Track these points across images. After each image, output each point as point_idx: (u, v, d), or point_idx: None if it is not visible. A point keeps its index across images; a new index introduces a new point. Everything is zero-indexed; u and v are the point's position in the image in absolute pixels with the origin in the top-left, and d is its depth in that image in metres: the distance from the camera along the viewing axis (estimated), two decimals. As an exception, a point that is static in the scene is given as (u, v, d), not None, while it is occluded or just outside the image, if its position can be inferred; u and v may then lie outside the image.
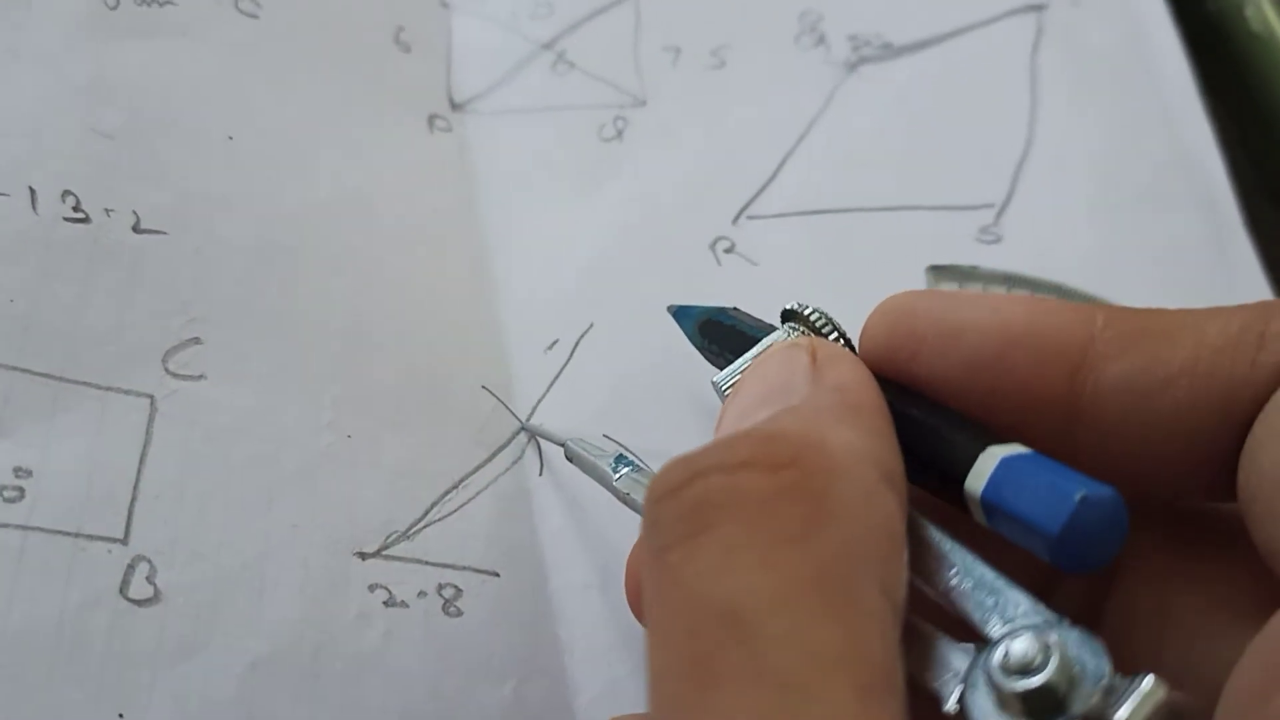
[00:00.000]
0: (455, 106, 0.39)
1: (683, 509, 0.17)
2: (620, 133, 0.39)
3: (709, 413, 0.33)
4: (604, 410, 0.34)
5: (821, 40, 0.40)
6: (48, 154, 0.29)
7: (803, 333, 0.25)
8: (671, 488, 0.17)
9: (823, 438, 0.18)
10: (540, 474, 0.33)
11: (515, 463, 0.33)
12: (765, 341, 0.25)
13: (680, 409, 0.34)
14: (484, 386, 0.34)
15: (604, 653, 0.31)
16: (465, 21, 0.40)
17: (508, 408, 0.34)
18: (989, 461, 0.19)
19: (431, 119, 0.38)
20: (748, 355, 0.25)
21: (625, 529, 0.33)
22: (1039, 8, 0.40)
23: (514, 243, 0.37)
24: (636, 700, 0.31)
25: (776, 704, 0.14)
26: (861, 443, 0.18)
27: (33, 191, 0.29)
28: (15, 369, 0.27)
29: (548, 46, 0.40)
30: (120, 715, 0.24)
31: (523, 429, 0.34)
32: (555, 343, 0.35)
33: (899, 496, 0.18)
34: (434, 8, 0.40)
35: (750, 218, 0.37)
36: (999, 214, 0.37)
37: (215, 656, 0.26)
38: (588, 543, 0.33)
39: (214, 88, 0.33)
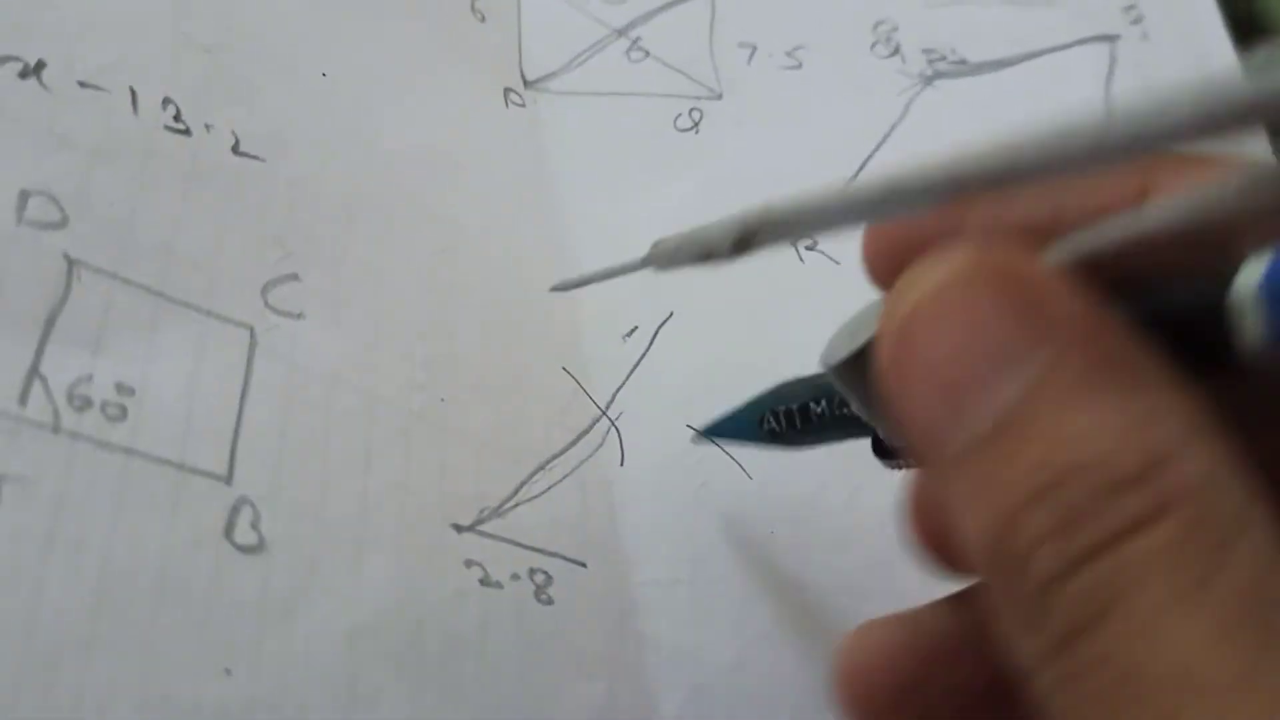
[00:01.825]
0: (528, 83, 0.37)
1: (1078, 594, 0.15)
2: (697, 124, 0.37)
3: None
4: (684, 401, 0.33)
5: (897, 50, 0.40)
6: (148, 56, 0.26)
7: None
8: (1055, 577, 0.15)
9: (1163, 433, 0.15)
10: (622, 464, 0.31)
11: (596, 450, 0.31)
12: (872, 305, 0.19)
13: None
14: (564, 368, 0.32)
15: (690, 652, 0.29)
16: (533, -2, 0.39)
17: (587, 393, 0.32)
18: (1255, 267, 0.16)
19: (506, 92, 0.36)
20: (863, 317, 0.19)
21: (708, 526, 0.31)
22: (1111, 38, 0.40)
23: (589, 225, 0.35)
24: (725, 706, 0.29)
25: None
26: (1174, 401, 0.15)
27: (133, 92, 0.26)
28: (116, 277, 0.24)
29: (622, 33, 0.38)
30: (228, 671, 0.21)
31: (603, 415, 0.32)
32: (634, 330, 0.34)
33: (1227, 446, 0.15)
34: (505, -19, 0.38)
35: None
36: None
37: (317, 617, 0.23)
38: (673, 536, 0.31)
39: (306, 21, 0.31)
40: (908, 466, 0.22)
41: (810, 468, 0.30)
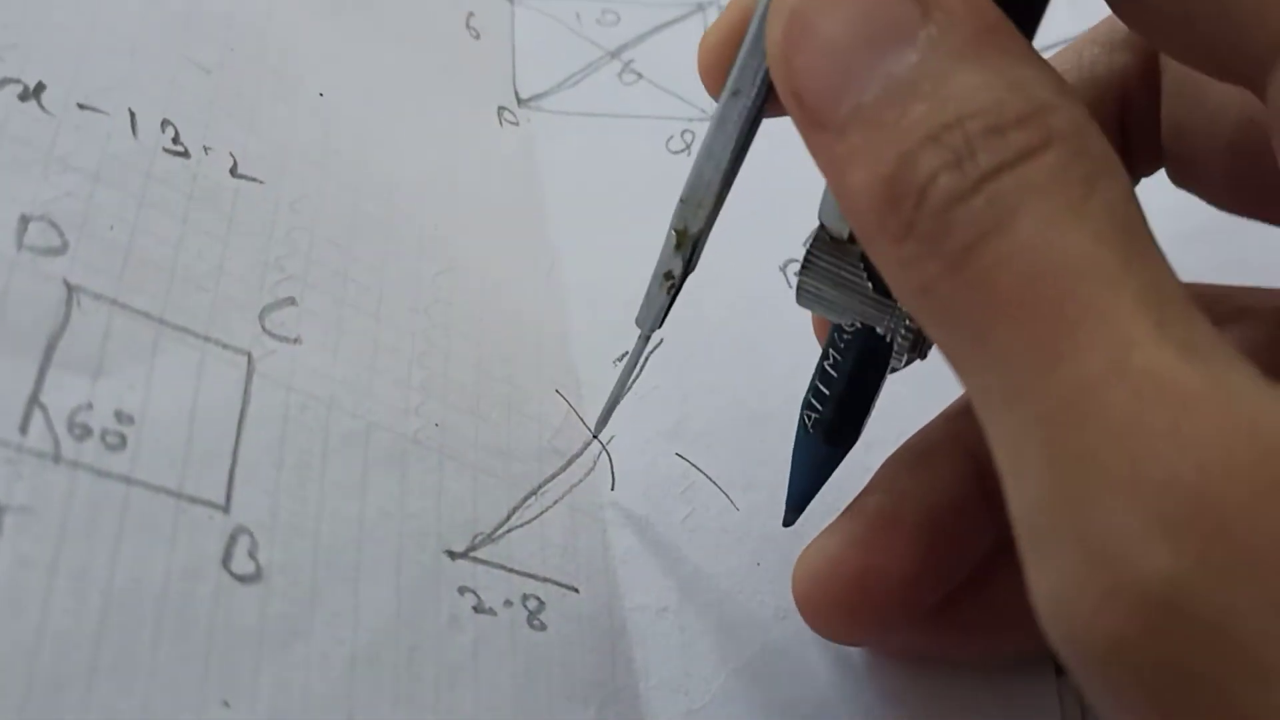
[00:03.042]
0: (522, 101, 0.37)
1: (976, 211, 0.17)
2: (689, 145, 0.37)
3: (783, 433, 0.31)
4: (675, 428, 0.33)
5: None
6: (147, 77, 0.26)
7: None
8: (956, 196, 0.17)
9: (1041, 91, 0.17)
10: (612, 488, 0.31)
11: (588, 474, 0.31)
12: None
13: (752, 429, 0.33)
14: (557, 391, 0.32)
15: (680, 680, 0.29)
16: (528, 15, 0.39)
17: (580, 418, 0.32)
18: None
19: (500, 110, 0.36)
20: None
21: (699, 553, 0.31)
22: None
23: (580, 247, 0.35)
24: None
25: (1135, 317, 0.15)
26: (1044, 70, 0.18)
27: (132, 114, 0.26)
28: (115, 302, 0.23)
29: (615, 55, 0.39)
30: (226, 703, 0.21)
31: (594, 439, 0.32)
32: (623, 355, 0.34)
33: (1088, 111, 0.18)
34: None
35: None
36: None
37: (316, 646, 0.23)
38: (662, 564, 0.31)
39: (303, 41, 0.31)
40: (911, 361, 0.24)
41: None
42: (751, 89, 0.22)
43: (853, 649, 0.30)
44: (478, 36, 0.37)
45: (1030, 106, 0.17)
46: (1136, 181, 0.28)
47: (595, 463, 0.32)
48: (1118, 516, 0.15)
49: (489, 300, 0.32)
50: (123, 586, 0.21)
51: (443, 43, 0.35)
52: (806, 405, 0.27)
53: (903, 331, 0.24)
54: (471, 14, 0.37)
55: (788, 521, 0.29)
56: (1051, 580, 0.16)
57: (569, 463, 0.31)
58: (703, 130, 0.38)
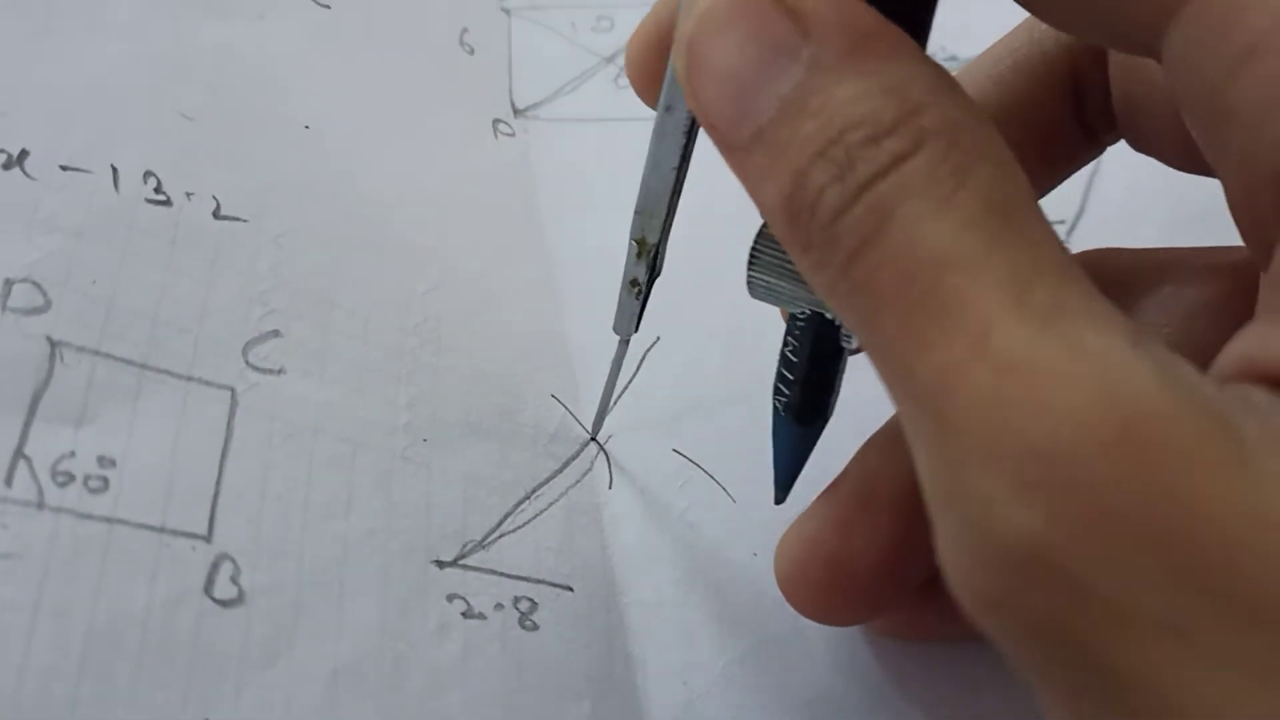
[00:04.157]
0: (518, 112, 0.38)
1: (857, 219, 0.18)
2: (685, 148, 0.38)
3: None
4: (672, 424, 0.34)
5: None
6: (129, 132, 0.28)
7: None
8: (839, 209, 0.18)
9: (915, 92, 0.18)
10: (610, 487, 0.32)
11: (585, 475, 0.32)
12: None
13: (748, 424, 0.34)
14: (553, 395, 0.33)
15: (678, 672, 0.30)
16: (524, 27, 0.40)
17: (576, 419, 0.33)
18: None
19: (495, 123, 0.37)
20: None
21: (696, 546, 0.32)
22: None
23: (577, 252, 0.36)
24: (713, 723, 0.30)
25: (1000, 297, 0.16)
26: (922, 68, 0.19)
27: (115, 170, 0.27)
28: (98, 353, 0.25)
29: (609, 60, 0.39)
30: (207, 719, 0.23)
31: (591, 440, 0.33)
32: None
33: (969, 100, 0.19)
34: (495, 11, 0.39)
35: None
36: (1070, 230, 0.37)
37: (298, 662, 0.25)
38: (659, 559, 0.32)
39: (289, 75, 0.32)
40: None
41: (792, 492, 0.31)
42: (681, 103, 0.23)
43: (852, 637, 0.30)
44: (472, 52, 0.38)
45: (903, 110, 0.18)
46: (1101, 150, 0.29)
47: (593, 463, 0.33)
48: (984, 484, 0.16)
49: (482, 312, 0.33)
50: (104, 621, 0.23)
51: (436, 62, 0.36)
52: (776, 391, 0.28)
53: None
54: (466, 30, 0.38)
55: (778, 500, 0.30)
56: (941, 544, 0.17)
57: (564, 465, 0.32)
58: (699, 134, 0.39)
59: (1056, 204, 0.37)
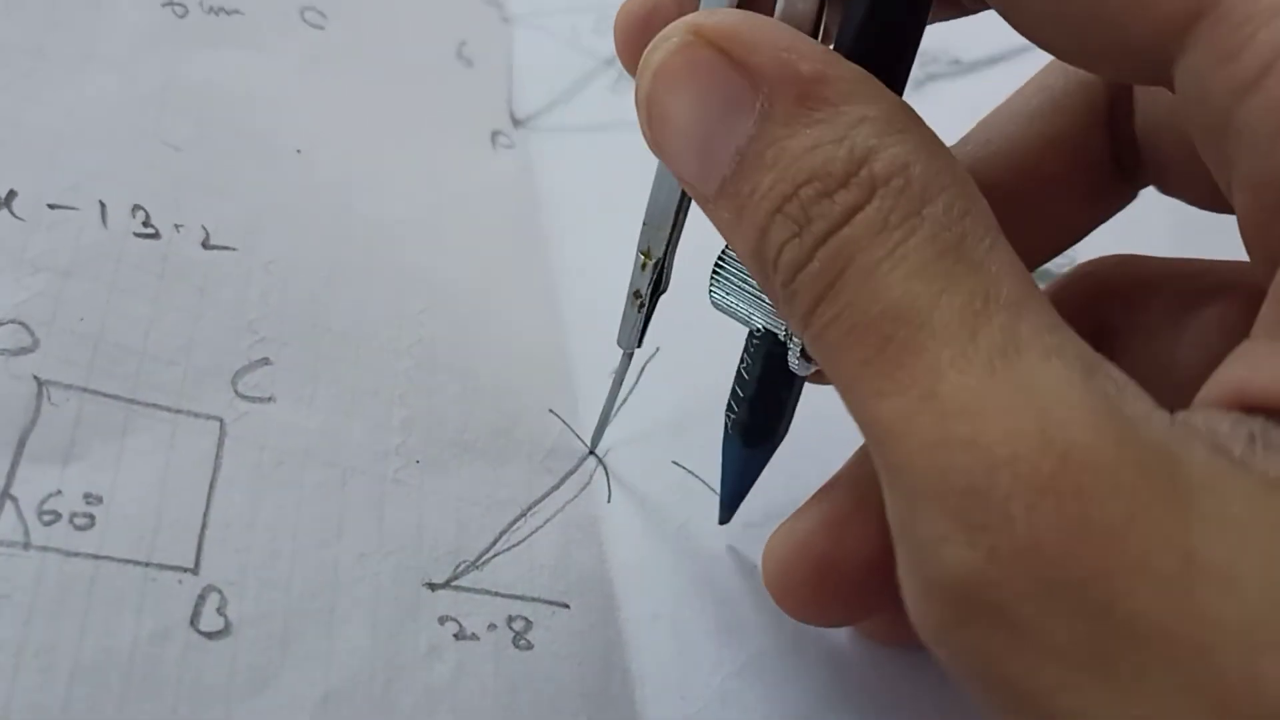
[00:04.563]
0: (517, 123, 0.38)
1: (812, 276, 0.18)
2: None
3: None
4: (671, 436, 0.34)
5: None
6: (118, 166, 0.28)
7: None
8: (796, 266, 0.19)
9: (864, 136, 0.18)
10: (609, 500, 0.32)
11: (583, 489, 0.32)
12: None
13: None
14: (551, 410, 0.33)
15: (676, 686, 0.30)
16: (526, 35, 0.40)
17: (574, 432, 0.33)
18: None
19: (494, 135, 0.37)
20: None
21: (695, 560, 0.32)
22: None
23: (577, 264, 0.36)
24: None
25: (962, 340, 0.17)
26: (872, 107, 0.19)
27: (103, 206, 0.28)
28: (86, 390, 0.26)
29: (610, 63, 0.39)
30: (193, 752, 0.23)
31: (590, 454, 0.33)
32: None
33: (924, 134, 0.19)
34: (495, 22, 0.39)
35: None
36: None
37: (286, 690, 0.25)
38: (658, 572, 0.32)
39: (281, 99, 0.32)
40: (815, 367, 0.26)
41: (789, 505, 0.31)
42: None
43: (849, 650, 0.30)
44: (470, 64, 0.38)
45: (852, 160, 0.18)
46: (1134, 195, 0.28)
47: (591, 476, 0.33)
48: (929, 521, 0.17)
49: (478, 329, 0.33)
50: (90, 658, 0.23)
51: (433, 76, 0.36)
52: (728, 407, 0.29)
53: (794, 338, 0.25)
54: (464, 42, 0.38)
55: (722, 520, 0.31)
56: (899, 572, 0.18)
57: (561, 481, 0.32)
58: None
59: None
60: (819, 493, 0.28)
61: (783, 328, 0.25)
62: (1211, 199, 0.26)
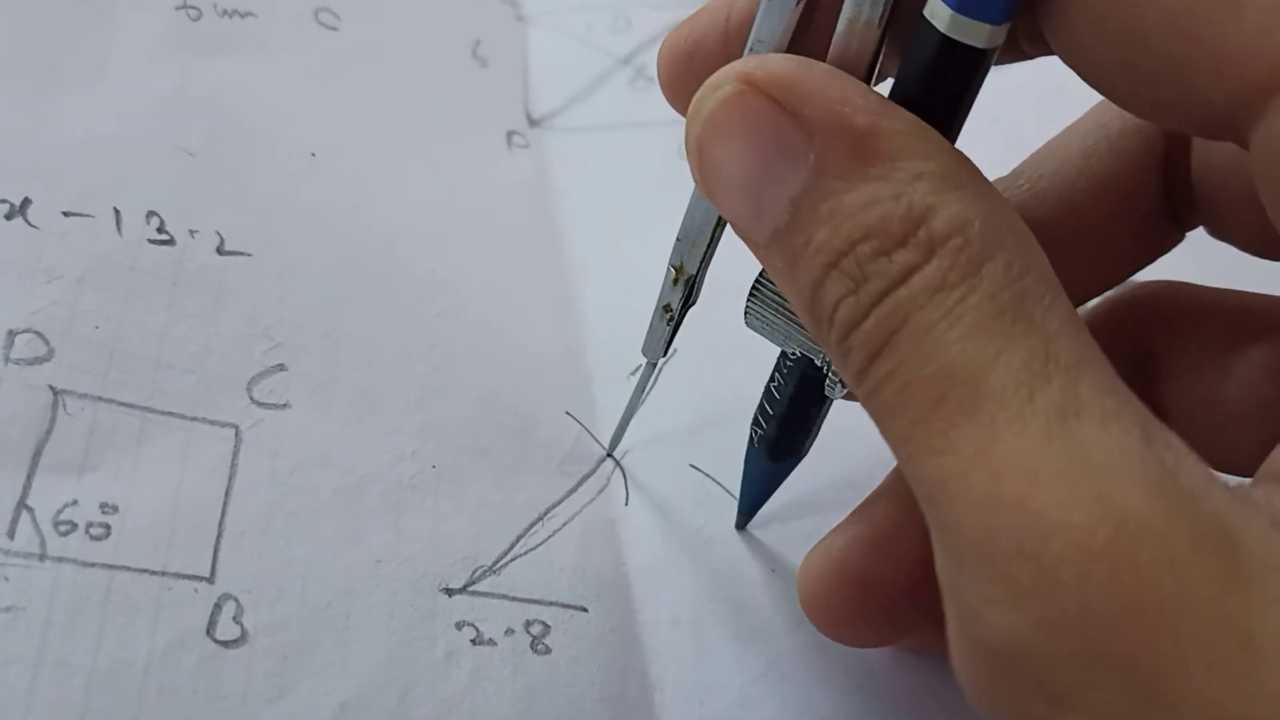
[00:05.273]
0: (533, 123, 0.38)
1: (868, 334, 0.18)
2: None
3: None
4: (689, 439, 0.33)
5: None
6: (132, 173, 0.28)
7: None
8: (852, 324, 0.19)
9: (922, 193, 0.18)
10: (626, 503, 0.32)
11: (601, 492, 0.32)
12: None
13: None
14: (568, 413, 0.33)
15: (694, 691, 0.30)
16: (542, 35, 0.39)
17: (592, 435, 0.33)
18: None
19: (510, 135, 0.37)
20: None
21: (713, 563, 0.32)
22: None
23: (594, 264, 0.36)
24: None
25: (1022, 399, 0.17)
26: (929, 163, 0.18)
27: (117, 213, 0.28)
28: (101, 399, 0.26)
29: (626, 61, 0.39)
30: (210, 762, 0.23)
31: (608, 456, 0.33)
32: (638, 368, 0.34)
33: (982, 187, 0.19)
34: (510, 21, 0.39)
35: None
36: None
37: (303, 698, 0.25)
38: (676, 575, 0.32)
39: (295, 102, 0.32)
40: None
41: (807, 506, 0.30)
42: None
43: (870, 656, 0.30)
44: (485, 64, 0.37)
45: (911, 218, 0.18)
46: (1181, 237, 0.27)
47: (609, 480, 0.33)
48: (978, 583, 0.16)
49: (495, 332, 0.33)
50: (106, 670, 0.23)
51: (447, 77, 0.36)
52: (754, 421, 0.29)
53: (833, 368, 0.25)
54: (479, 42, 0.38)
55: (739, 525, 0.31)
56: (948, 628, 0.18)
57: (579, 484, 0.32)
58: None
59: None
60: (857, 511, 0.28)
61: (819, 354, 0.25)
62: (1265, 245, 0.25)
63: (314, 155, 0.32)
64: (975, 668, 0.17)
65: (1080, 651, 0.15)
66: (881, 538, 0.27)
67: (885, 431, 0.19)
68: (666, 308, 0.28)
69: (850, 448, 0.30)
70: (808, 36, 0.21)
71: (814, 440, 0.28)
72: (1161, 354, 0.26)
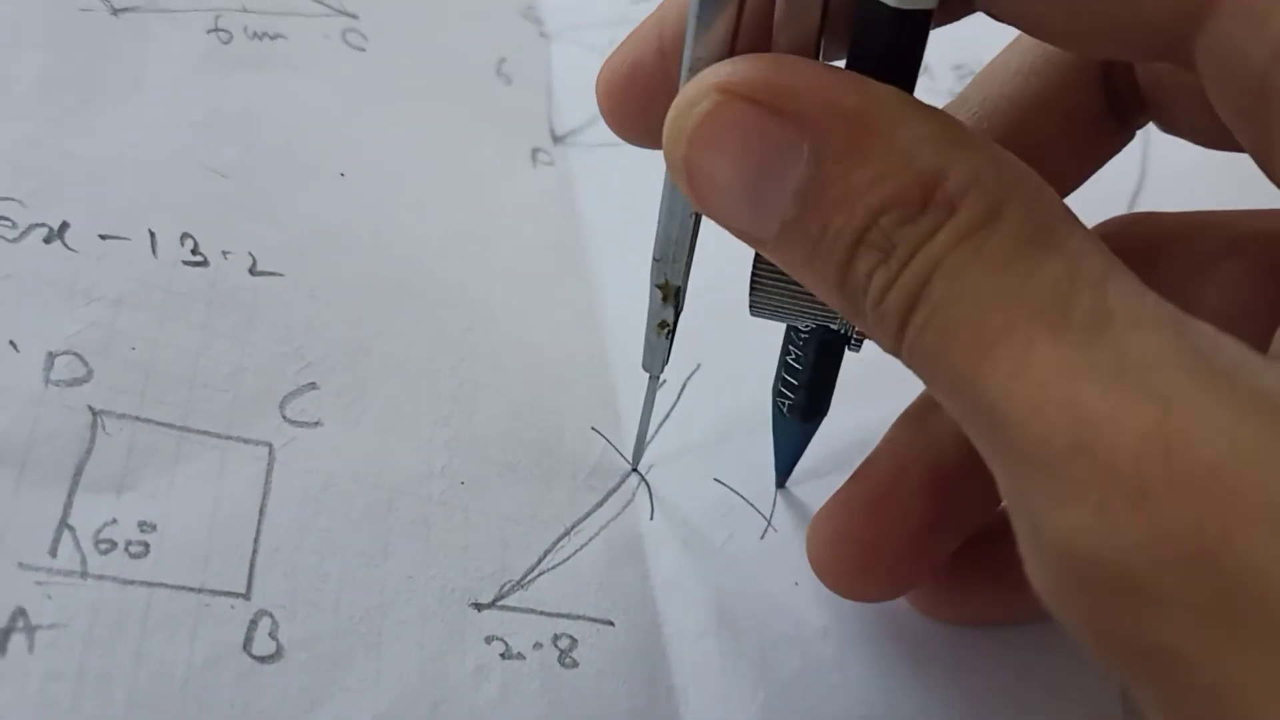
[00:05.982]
0: (557, 139, 0.38)
1: (902, 292, 0.19)
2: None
3: (819, 452, 0.32)
4: (712, 453, 0.34)
5: (925, 69, 0.39)
6: (167, 194, 0.29)
7: None
8: (888, 286, 0.19)
9: (928, 158, 0.19)
10: (651, 518, 0.33)
11: (626, 506, 0.33)
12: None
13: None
14: (594, 428, 0.34)
15: (719, 703, 0.30)
16: (565, 50, 0.40)
17: (618, 450, 0.33)
18: None
19: (534, 152, 0.37)
20: None
21: (738, 576, 0.32)
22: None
23: (619, 280, 0.36)
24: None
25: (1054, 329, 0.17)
26: (924, 126, 0.19)
27: (152, 235, 0.28)
28: (138, 419, 0.26)
29: (650, 76, 0.39)
30: (247, 777, 0.24)
31: (633, 471, 0.33)
32: (663, 383, 0.35)
33: (976, 138, 0.19)
34: (534, 38, 0.40)
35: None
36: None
37: (336, 713, 0.26)
38: (701, 588, 0.32)
39: (325, 122, 0.33)
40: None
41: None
42: None
43: (893, 665, 0.30)
44: (510, 81, 0.38)
45: (925, 184, 0.19)
46: (1130, 136, 0.29)
47: (634, 494, 0.33)
48: (1039, 491, 0.17)
49: (521, 348, 0.33)
50: (146, 685, 0.24)
51: (472, 95, 0.37)
52: (777, 393, 0.30)
53: (855, 329, 0.26)
54: (504, 60, 0.38)
55: (780, 484, 0.33)
56: (1021, 551, 0.18)
57: (604, 499, 0.32)
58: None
59: (1099, 211, 0.36)
60: (857, 473, 0.29)
61: (834, 319, 0.26)
62: (1214, 137, 0.26)
63: (343, 175, 0.32)
64: (1048, 574, 0.17)
65: (1144, 534, 0.16)
66: (880, 496, 0.28)
67: (932, 378, 0.19)
68: (662, 324, 0.28)
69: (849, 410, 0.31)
70: (738, 41, 0.21)
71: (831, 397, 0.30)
72: None
